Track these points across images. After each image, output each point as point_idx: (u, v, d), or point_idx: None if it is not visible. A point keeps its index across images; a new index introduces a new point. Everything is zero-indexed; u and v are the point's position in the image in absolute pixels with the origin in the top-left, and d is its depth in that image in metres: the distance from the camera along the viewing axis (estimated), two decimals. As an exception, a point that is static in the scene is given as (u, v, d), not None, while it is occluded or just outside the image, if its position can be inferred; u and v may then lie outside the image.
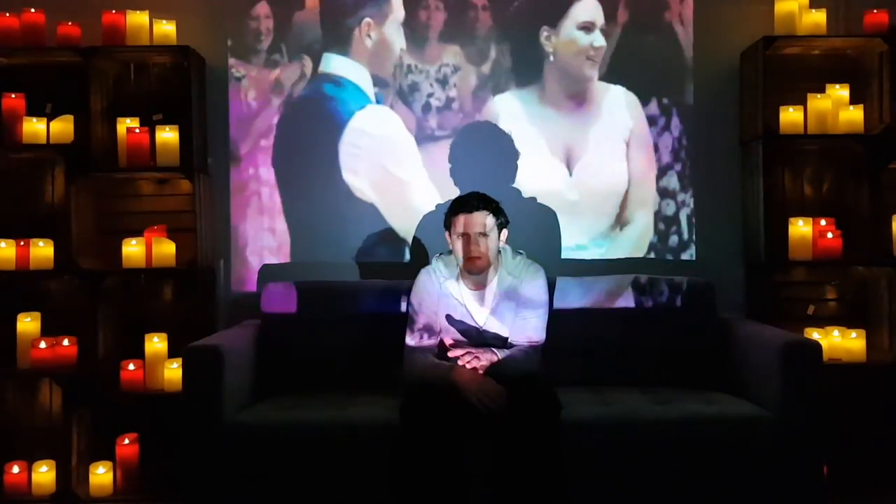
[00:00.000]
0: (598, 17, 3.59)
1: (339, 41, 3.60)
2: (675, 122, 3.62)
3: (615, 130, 3.60)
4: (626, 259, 3.61)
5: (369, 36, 3.56)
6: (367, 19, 3.58)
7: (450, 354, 2.80)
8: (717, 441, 2.71)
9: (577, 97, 3.60)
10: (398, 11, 3.59)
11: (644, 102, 3.61)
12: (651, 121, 3.61)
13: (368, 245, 3.59)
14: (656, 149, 3.61)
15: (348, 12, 3.60)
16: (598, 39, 3.58)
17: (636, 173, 3.60)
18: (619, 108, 3.59)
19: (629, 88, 3.61)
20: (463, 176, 3.57)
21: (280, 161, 3.62)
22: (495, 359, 2.77)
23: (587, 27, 3.58)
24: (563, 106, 3.60)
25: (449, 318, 2.87)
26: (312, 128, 3.60)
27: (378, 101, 3.59)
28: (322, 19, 3.61)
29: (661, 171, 3.62)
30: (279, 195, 3.61)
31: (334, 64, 3.60)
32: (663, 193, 3.62)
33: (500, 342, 2.86)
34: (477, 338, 2.85)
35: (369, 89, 3.59)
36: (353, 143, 3.58)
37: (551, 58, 3.59)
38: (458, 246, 2.81)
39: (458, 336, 2.86)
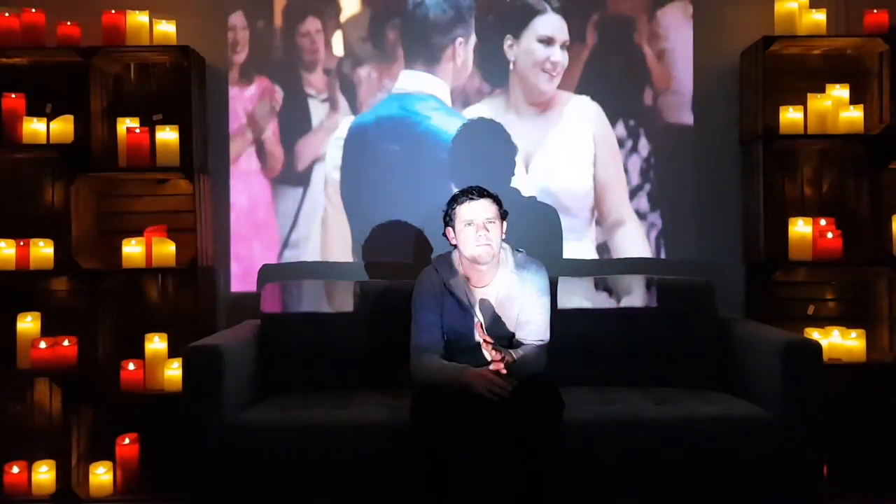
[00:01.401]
0: (559, 33, 3.61)
1: (426, 59, 3.62)
2: (643, 142, 3.62)
3: (573, 136, 3.61)
4: (626, 259, 3.61)
5: (459, 55, 3.60)
6: (460, 38, 3.60)
7: (488, 355, 2.70)
8: (717, 441, 2.71)
9: (539, 105, 3.62)
10: (473, 36, 3.62)
11: (611, 123, 3.63)
12: (619, 143, 3.62)
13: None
14: (625, 170, 3.62)
15: (441, 31, 3.61)
16: (556, 54, 3.60)
17: (603, 181, 3.61)
18: (579, 118, 3.61)
19: (598, 103, 3.62)
20: (461, 174, 3.56)
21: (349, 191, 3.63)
22: (512, 359, 2.69)
23: (546, 41, 3.60)
24: (524, 112, 3.62)
25: (453, 316, 2.84)
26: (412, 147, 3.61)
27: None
28: (403, 40, 3.62)
29: (632, 192, 3.62)
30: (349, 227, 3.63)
31: (417, 81, 3.61)
32: (637, 215, 3.63)
33: (505, 340, 2.84)
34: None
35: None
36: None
37: (511, 66, 3.62)
38: (465, 235, 2.76)
39: (460, 335, 2.84)
